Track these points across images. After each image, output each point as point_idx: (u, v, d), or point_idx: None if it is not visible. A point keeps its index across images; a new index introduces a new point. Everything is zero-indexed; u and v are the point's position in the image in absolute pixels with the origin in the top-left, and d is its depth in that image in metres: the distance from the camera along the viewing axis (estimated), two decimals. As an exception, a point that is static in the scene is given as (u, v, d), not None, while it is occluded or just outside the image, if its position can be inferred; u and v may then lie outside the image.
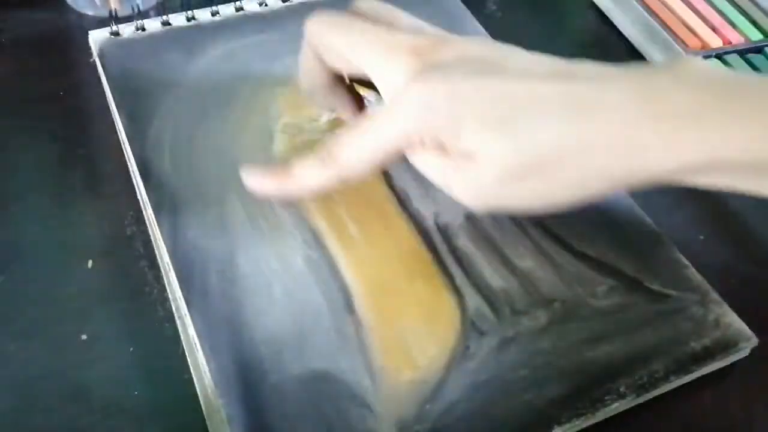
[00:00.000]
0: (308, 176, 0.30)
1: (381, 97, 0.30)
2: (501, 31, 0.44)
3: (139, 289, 0.33)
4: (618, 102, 0.25)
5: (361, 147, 0.28)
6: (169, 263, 0.32)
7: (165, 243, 0.32)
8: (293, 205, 0.35)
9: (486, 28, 0.45)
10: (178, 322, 0.32)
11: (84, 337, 0.31)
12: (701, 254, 0.36)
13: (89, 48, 0.42)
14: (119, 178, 0.37)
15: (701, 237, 0.38)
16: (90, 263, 0.34)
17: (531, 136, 0.25)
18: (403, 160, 0.29)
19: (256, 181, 0.32)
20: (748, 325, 0.32)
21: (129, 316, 0.32)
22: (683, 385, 0.31)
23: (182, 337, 0.31)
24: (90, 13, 0.47)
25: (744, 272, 0.37)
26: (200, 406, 0.30)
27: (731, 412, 0.32)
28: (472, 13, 0.46)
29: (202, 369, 0.29)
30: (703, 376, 0.31)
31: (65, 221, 0.36)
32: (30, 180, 0.38)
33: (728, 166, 0.24)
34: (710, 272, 0.34)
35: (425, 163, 0.28)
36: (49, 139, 0.39)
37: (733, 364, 0.32)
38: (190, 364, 0.31)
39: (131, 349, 0.31)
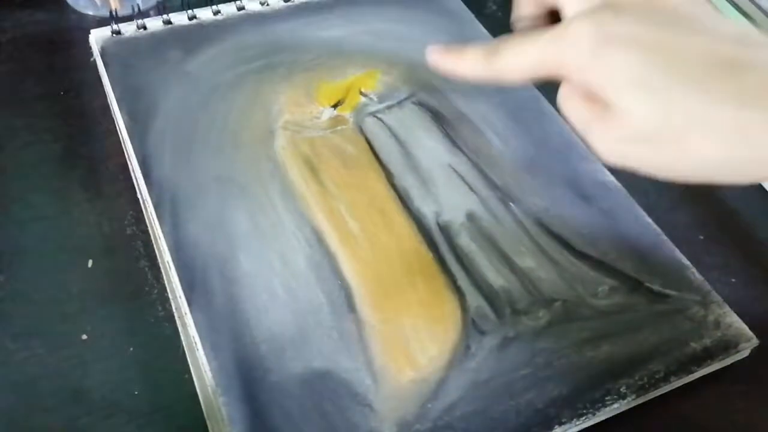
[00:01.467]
0: (469, 64, 0.30)
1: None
2: (502, 31, 0.44)
3: (139, 289, 0.33)
4: None
5: (520, 56, 0.28)
6: (170, 262, 0.32)
7: (166, 241, 0.32)
8: (294, 205, 0.35)
9: (486, 29, 0.45)
10: (178, 321, 0.32)
11: (84, 336, 0.31)
12: (701, 254, 0.36)
13: (90, 47, 0.42)
14: (119, 178, 0.37)
15: (701, 237, 0.38)
16: (90, 263, 0.34)
17: (678, 106, 0.24)
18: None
19: (435, 54, 0.31)
20: (748, 325, 0.32)
21: (129, 316, 0.32)
22: (684, 385, 0.31)
23: (182, 337, 0.31)
24: (90, 13, 0.47)
25: (744, 272, 0.37)
26: (200, 405, 0.30)
27: (732, 412, 0.32)
28: (473, 13, 0.46)
29: (202, 368, 0.29)
30: (704, 377, 0.31)
31: (65, 221, 0.36)
32: (30, 180, 0.38)
33: None
34: (710, 272, 0.34)
35: (570, 101, 0.28)
36: (49, 139, 0.39)
37: (734, 365, 0.32)
38: (190, 364, 0.31)
39: (131, 348, 0.31)
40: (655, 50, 0.25)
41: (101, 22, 0.44)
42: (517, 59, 0.28)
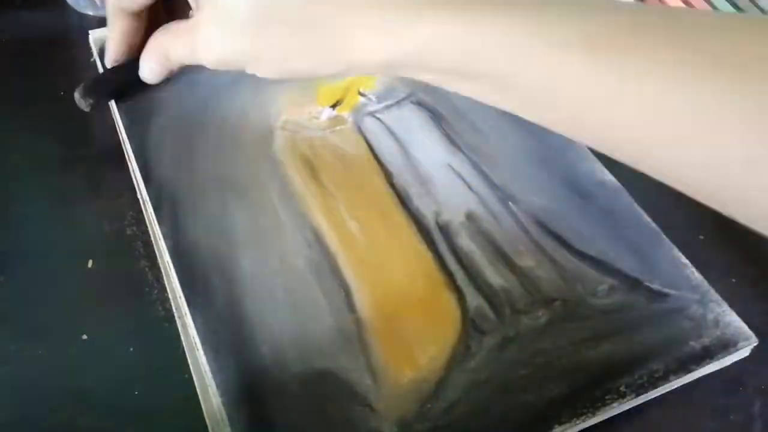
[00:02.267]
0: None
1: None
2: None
3: (139, 289, 0.33)
4: None
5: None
6: (170, 262, 0.32)
7: (165, 242, 0.32)
8: (293, 205, 0.35)
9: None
10: (178, 321, 0.32)
11: (84, 337, 0.31)
12: (701, 254, 0.36)
13: (90, 47, 0.42)
14: (119, 178, 0.37)
15: (701, 237, 0.38)
16: (90, 263, 0.34)
17: None
18: None
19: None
20: (748, 324, 0.32)
21: (129, 317, 0.32)
22: (683, 386, 0.31)
23: (182, 337, 0.31)
24: (90, 13, 0.47)
25: (744, 272, 0.37)
26: (200, 406, 0.30)
27: (732, 412, 0.32)
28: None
29: (202, 368, 0.29)
30: (703, 376, 0.31)
31: (65, 221, 0.36)
32: (30, 180, 0.38)
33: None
34: (710, 272, 0.34)
35: (158, 35, 0.31)
36: (49, 139, 0.39)
37: (734, 364, 0.32)
38: (190, 364, 0.31)
39: (131, 349, 0.31)
40: None
41: (101, 22, 0.44)
42: None
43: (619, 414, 0.30)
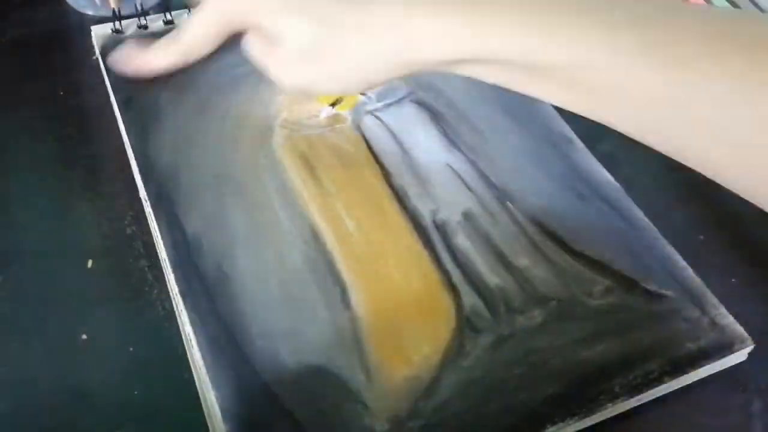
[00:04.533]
0: (157, 52, 0.34)
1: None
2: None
3: (139, 289, 0.33)
4: None
5: (194, 28, 0.32)
6: (167, 259, 0.32)
7: (162, 238, 0.33)
8: (291, 203, 0.35)
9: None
10: (179, 319, 0.32)
11: (84, 337, 0.32)
12: (701, 254, 0.36)
13: (90, 47, 0.43)
14: (119, 178, 0.38)
15: (701, 237, 0.38)
16: (90, 263, 0.34)
17: (323, 19, 0.28)
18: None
19: (117, 59, 0.36)
20: (746, 325, 0.32)
21: (129, 316, 0.33)
22: (683, 387, 0.31)
23: (182, 336, 0.32)
24: (90, 12, 0.47)
25: (744, 273, 0.36)
26: (200, 405, 0.30)
27: (731, 412, 0.31)
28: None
29: (197, 363, 0.29)
30: (702, 378, 0.31)
31: (65, 221, 0.36)
32: (30, 180, 0.38)
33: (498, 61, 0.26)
34: (710, 272, 0.34)
35: (250, 44, 0.31)
36: (49, 139, 0.40)
37: (733, 364, 0.32)
38: (190, 364, 0.31)
39: (131, 348, 0.31)
40: None
41: (101, 22, 0.44)
42: (195, 32, 0.32)
43: (618, 413, 0.30)
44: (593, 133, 0.39)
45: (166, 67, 0.33)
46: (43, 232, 0.36)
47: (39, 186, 0.38)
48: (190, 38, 0.32)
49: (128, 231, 0.36)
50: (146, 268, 0.34)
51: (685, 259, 0.34)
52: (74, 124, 0.40)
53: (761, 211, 0.39)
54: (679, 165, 0.25)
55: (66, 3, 0.48)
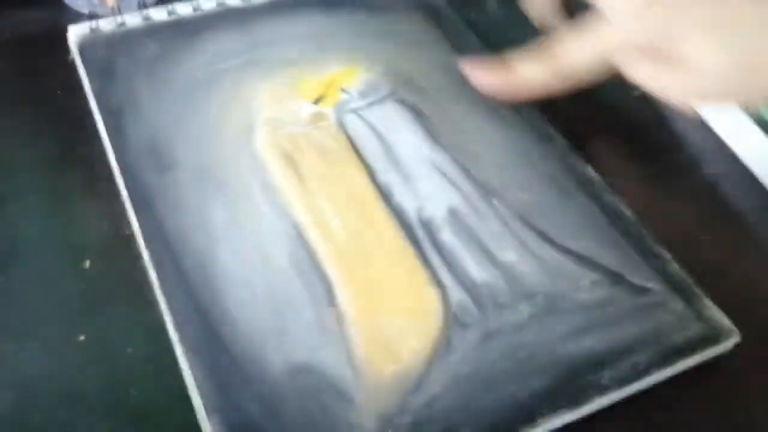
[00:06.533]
0: (532, 72, 0.32)
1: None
2: (487, 27, 0.45)
3: (137, 290, 0.33)
4: None
5: (581, 49, 0.31)
6: (149, 258, 0.31)
7: (143, 237, 0.32)
8: (274, 201, 0.34)
9: (484, 26, 0.45)
10: (165, 318, 0.31)
11: (82, 337, 0.31)
12: (701, 254, 0.36)
13: (67, 46, 0.42)
14: (117, 178, 0.37)
15: (701, 237, 0.38)
16: (87, 263, 0.33)
17: (748, 45, 0.28)
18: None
19: (480, 75, 0.33)
20: (745, 325, 0.32)
21: (127, 317, 0.32)
22: (679, 384, 0.31)
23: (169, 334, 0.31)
24: (87, 11, 0.46)
25: (743, 273, 0.36)
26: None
27: (731, 412, 0.31)
28: (470, 9, 0.46)
29: (179, 360, 0.29)
30: (699, 375, 0.31)
31: (62, 221, 0.35)
32: (28, 180, 0.37)
33: None
34: (709, 272, 0.34)
35: (638, 69, 0.31)
36: (46, 139, 0.39)
37: (732, 364, 0.32)
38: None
39: (129, 349, 0.31)
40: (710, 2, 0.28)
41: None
42: (580, 53, 0.31)
43: (617, 413, 0.30)
44: (576, 129, 0.39)
45: (541, 85, 0.33)
46: (40, 232, 0.35)
47: (36, 186, 0.37)
48: (572, 62, 0.32)
49: (126, 231, 0.35)
50: (144, 269, 0.33)
51: (670, 252, 0.34)
52: (71, 124, 0.40)
53: (761, 211, 0.39)
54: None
55: (63, 2, 0.47)
